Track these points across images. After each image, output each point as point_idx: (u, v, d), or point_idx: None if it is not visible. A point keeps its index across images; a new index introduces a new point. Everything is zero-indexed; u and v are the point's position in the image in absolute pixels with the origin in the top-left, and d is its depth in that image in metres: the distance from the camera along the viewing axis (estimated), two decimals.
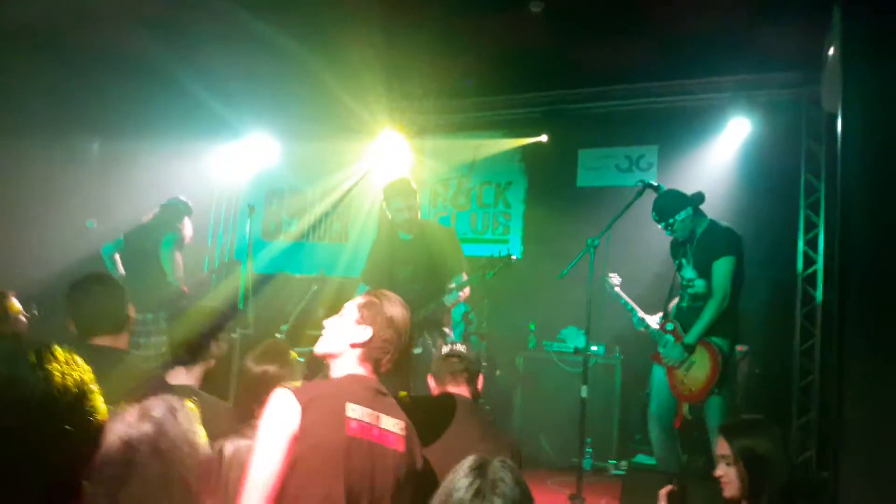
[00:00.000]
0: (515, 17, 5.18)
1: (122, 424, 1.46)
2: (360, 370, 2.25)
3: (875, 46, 3.83)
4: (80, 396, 1.11)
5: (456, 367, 2.93)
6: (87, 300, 2.72)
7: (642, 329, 4.63)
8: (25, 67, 5.97)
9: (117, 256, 6.07)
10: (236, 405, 2.74)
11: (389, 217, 4.90)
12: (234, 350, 4.58)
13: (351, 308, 2.33)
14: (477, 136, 7.25)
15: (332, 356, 2.29)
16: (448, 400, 2.85)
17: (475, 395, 2.97)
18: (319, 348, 2.31)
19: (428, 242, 4.89)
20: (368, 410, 2.13)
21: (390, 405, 2.23)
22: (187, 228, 6.26)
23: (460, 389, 2.91)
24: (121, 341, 2.74)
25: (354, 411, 2.09)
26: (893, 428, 3.42)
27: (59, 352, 1.12)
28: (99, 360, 2.37)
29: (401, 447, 2.16)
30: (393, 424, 2.17)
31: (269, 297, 6.48)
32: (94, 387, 1.15)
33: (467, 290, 4.68)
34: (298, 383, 2.17)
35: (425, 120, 7.19)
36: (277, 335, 5.58)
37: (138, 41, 6.02)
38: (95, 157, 7.41)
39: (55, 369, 1.08)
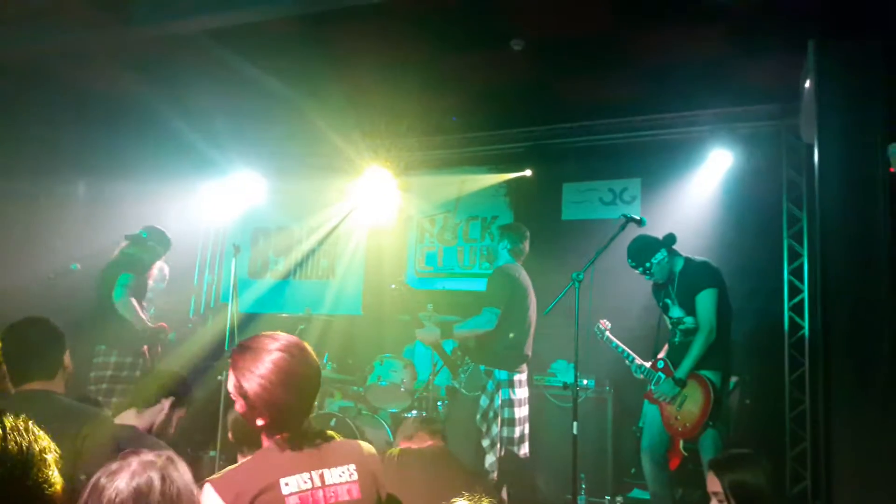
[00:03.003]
0: (498, 55, 5.24)
1: (126, 474, 1.50)
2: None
3: (847, 79, 3.92)
4: (22, 463, 1.07)
5: (435, 426, 3.35)
6: (17, 344, 2.58)
7: (640, 376, 4.61)
8: (8, 108, 5.94)
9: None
10: (223, 450, 2.70)
11: None
12: (220, 393, 4.51)
13: None
14: (462, 171, 7.30)
15: None
16: (437, 450, 3.18)
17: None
18: None
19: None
20: (306, 475, 1.90)
21: (331, 453, 2.00)
22: (155, 269, 5.49)
23: (436, 441, 3.30)
24: (55, 385, 2.65)
25: (289, 486, 1.87)
26: (884, 456, 3.42)
27: (7, 420, 1.08)
28: (31, 404, 2.33)
29: (356, 494, 1.96)
30: (340, 474, 1.96)
31: None
32: (49, 457, 1.11)
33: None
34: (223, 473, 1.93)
35: (411, 157, 7.24)
36: None
37: (123, 81, 6.04)
38: (81, 198, 7.34)
39: None
